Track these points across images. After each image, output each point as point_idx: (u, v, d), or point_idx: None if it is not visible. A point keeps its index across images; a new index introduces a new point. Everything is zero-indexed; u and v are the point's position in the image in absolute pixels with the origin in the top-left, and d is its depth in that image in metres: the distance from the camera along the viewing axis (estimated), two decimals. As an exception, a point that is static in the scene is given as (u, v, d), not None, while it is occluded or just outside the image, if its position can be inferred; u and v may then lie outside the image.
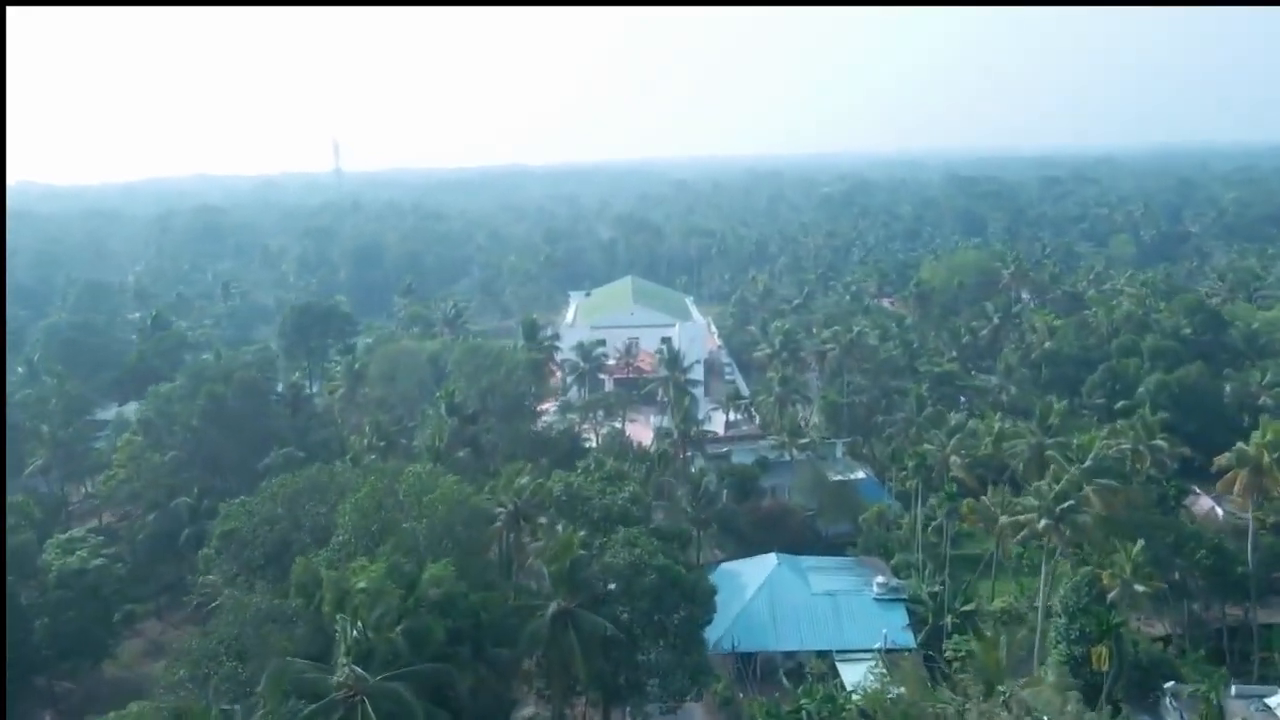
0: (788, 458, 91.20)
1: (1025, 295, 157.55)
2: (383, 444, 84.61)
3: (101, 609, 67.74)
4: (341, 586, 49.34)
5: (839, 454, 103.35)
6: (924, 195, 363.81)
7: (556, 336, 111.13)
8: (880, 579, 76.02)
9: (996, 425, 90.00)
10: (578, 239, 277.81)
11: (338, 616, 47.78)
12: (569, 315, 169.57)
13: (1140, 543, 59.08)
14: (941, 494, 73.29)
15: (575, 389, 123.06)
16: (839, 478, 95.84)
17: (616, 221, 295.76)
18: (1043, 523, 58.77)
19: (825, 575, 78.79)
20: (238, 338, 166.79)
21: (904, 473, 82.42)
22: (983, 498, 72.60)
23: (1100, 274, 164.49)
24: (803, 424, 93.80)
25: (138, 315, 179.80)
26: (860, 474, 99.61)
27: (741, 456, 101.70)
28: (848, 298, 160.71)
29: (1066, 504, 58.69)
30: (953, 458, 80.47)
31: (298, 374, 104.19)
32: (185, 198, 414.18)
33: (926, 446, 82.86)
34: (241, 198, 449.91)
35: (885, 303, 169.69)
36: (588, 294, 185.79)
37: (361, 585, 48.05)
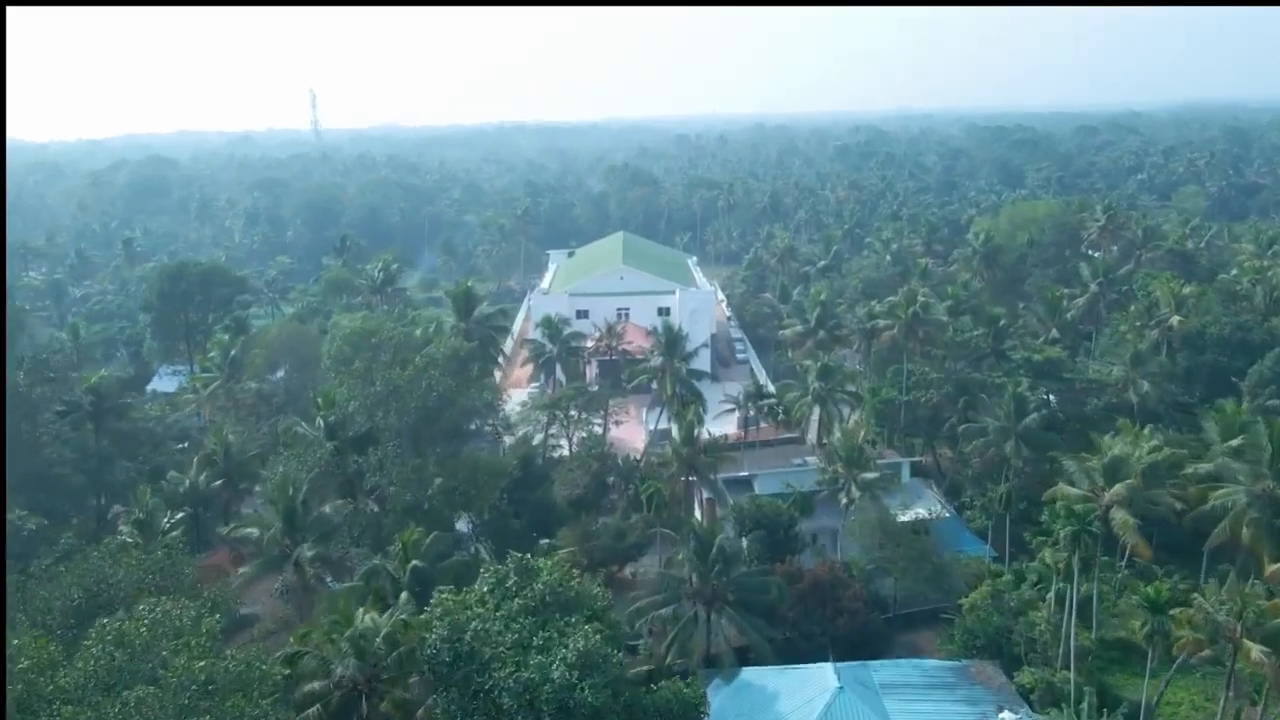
0: (845, 500, 60.81)
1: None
2: (220, 483, 54.60)
3: None
4: None
5: (906, 477, 73.39)
6: (948, 146, 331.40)
7: (502, 314, 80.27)
8: (1007, 716, 46.49)
9: (1145, 445, 60.04)
10: (565, 193, 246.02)
11: None
12: (545, 280, 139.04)
13: None
14: (1141, 596, 43.44)
15: (542, 379, 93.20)
16: (911, 517, 65.88)
17: (610, 173, 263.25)
18: None
19: (914, 704, 49.02)
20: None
21: (1044, 538, 52.32)
22: (1197, 598, 42.56)
23: (1198, 228, 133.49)
24: (867, 445, 62.85)
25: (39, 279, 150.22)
26: (943, 511, 69.76)
27: (768, 483, 71.93)
28: (888, 258, 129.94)
29: None
30: (1117, 511, 50.40)
31: (99, 370, 73.93)
32: (145, 151, 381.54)
33: (1069, 489, 52.78)
34: (208, 152, 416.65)
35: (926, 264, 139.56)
36: (570, 253, 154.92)
37: None
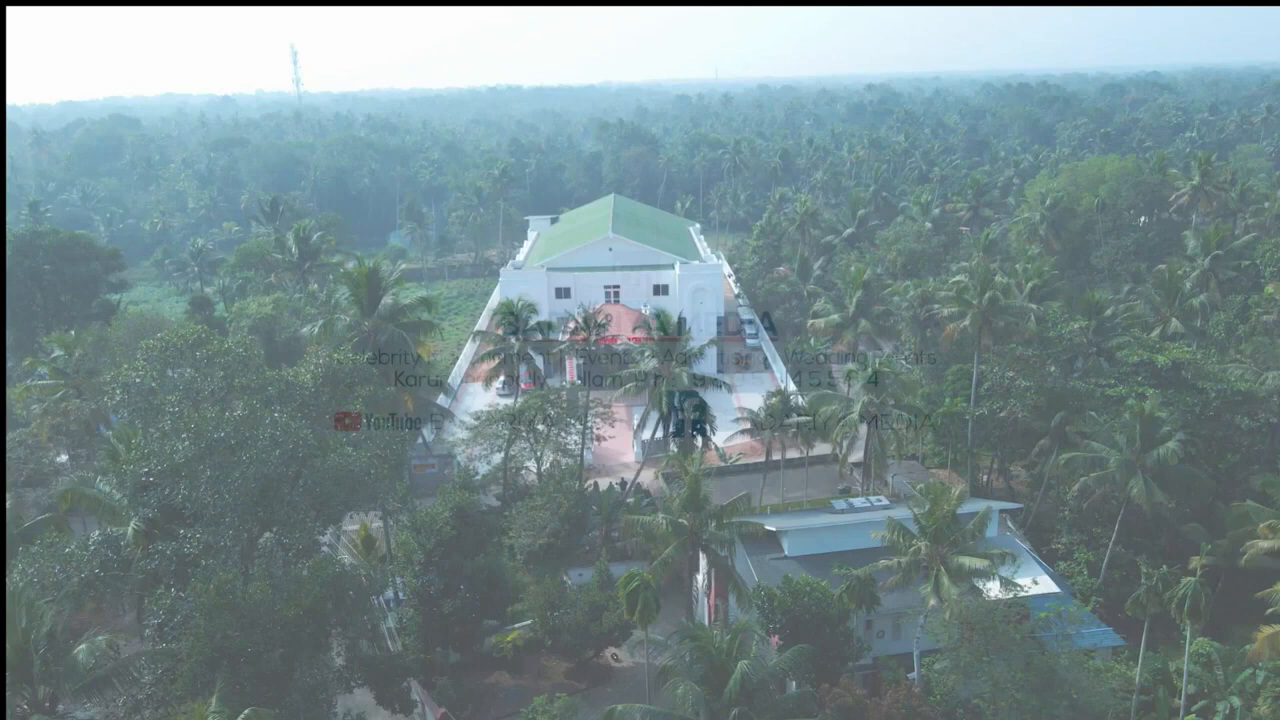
0: (933, 600, 40.11)
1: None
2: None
3: None
4: None
5: (990, 532, 52.71)
6: (969, 106, 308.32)
7: (424, 304, 59.27)
8: None
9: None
10: (555, 154, 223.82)
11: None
12: (521, 252, 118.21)
13: None
14: None
15: (502, 381, 72.82)
16: (1008, 592, 45.33)
17: (603, 131, 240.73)
18: None
19: None
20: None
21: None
22: None
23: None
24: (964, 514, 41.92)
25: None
26: (1049, 583, 49.52)
27: (802, 542, 51.51)
28: (928, 225, 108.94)
29: None
30: None
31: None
32: (122, 113, 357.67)
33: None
34: (179, 114, 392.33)
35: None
36: (553, 220, 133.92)
37: None
